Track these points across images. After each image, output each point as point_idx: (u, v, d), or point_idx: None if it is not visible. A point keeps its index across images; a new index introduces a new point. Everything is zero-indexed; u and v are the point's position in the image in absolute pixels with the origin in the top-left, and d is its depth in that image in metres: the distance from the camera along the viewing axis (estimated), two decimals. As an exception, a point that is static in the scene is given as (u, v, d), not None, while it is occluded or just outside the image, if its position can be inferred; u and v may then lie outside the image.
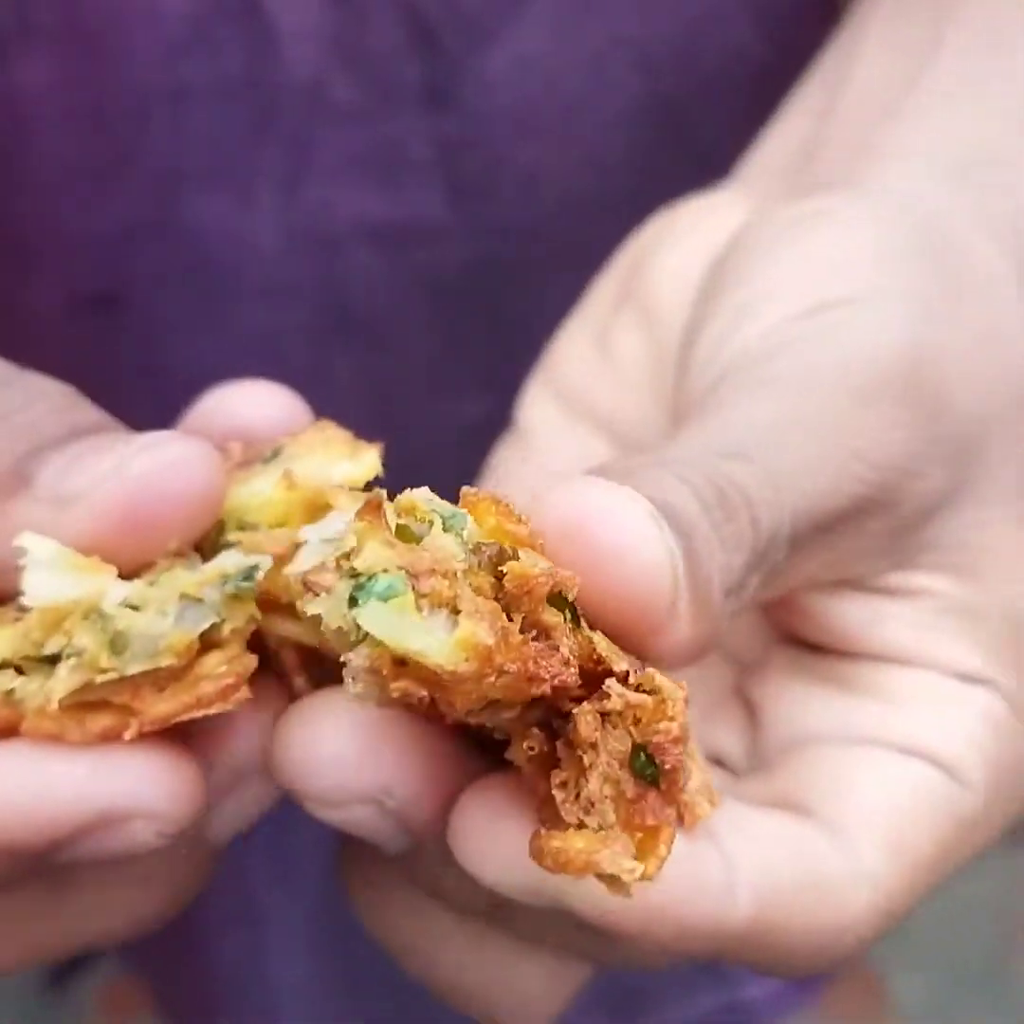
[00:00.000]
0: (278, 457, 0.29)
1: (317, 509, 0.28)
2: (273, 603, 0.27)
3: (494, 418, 0.49)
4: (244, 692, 0.26)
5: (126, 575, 0.26)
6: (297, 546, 0.27)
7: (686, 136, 0.45)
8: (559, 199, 0.44)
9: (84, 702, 0.26)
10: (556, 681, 0.22)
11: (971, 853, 0.29)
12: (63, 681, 0.25)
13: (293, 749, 0.25)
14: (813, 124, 0.34)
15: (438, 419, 0.50)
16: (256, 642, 0.27)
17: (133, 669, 0.25)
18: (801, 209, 0.30)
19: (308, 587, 0.23)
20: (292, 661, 0.28)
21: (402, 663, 0.22)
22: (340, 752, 0.25)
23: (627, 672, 0.22)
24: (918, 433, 0.26)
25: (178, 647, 0.26)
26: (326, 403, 0.48)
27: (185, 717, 0.26)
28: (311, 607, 0.23)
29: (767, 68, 0.45)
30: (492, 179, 0.43)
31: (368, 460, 0.29)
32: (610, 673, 0.22)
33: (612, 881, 0.22)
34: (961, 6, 0.34)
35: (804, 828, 0.26)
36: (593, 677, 0.23)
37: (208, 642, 0.27)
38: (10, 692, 0.25)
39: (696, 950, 0.25)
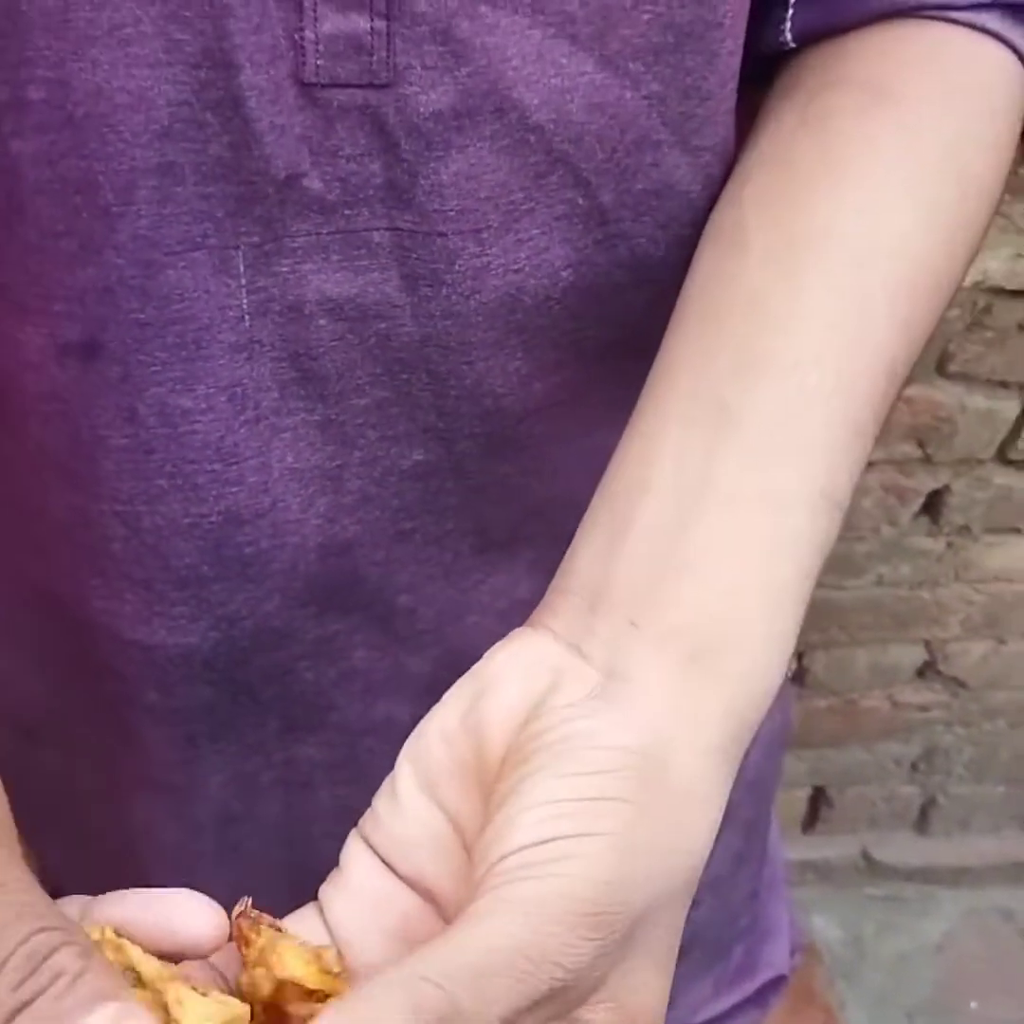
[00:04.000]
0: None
1: None
2: None
3: (432, 463, 0.55)
4: None
5: None
6: None
7: (619, 242, 0.50)
8: (504, 290, 0.49)
9: None
10: None
11: None
12: None
13: None
14: (602, 566, 0.43)
15: (384, 461, 0.55)
16: None
17: None
18: (575, 716, 0.39)
19: None
20: None
21: None
22: None
23: None
24: (603, 944, 0.36)
25: None
26: (286, 444, 0.53)
27: None
28: None
29: (692, 190, 0.51)
30: (442, 269, 0.48)
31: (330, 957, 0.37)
32: None
33: None
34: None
35: None
36: None
37: None
38: None
39: None
